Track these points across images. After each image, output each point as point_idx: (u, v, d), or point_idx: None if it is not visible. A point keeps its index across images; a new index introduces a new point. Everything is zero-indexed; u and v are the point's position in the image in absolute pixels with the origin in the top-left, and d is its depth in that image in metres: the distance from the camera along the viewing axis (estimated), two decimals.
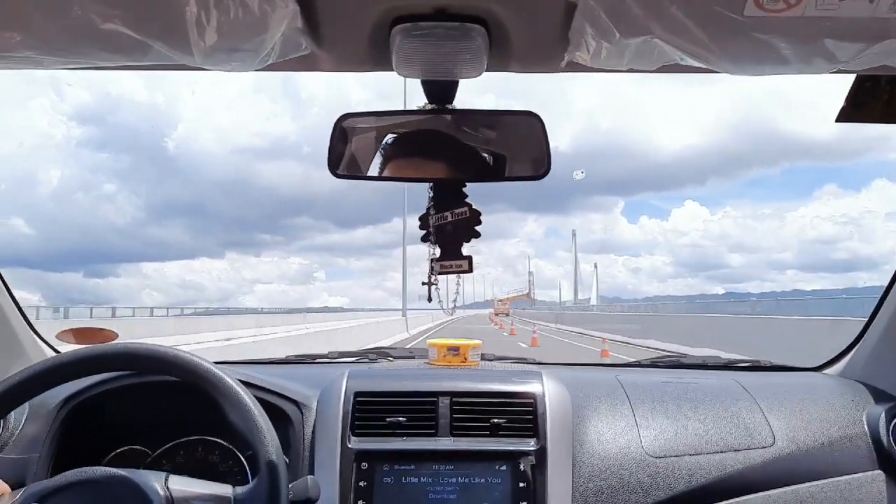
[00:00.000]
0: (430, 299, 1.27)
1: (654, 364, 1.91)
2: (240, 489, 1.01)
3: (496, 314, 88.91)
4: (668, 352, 11.69)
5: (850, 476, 1.36)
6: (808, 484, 1.34)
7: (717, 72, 0.86)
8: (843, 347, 1.74)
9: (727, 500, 1.32)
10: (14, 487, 1.02)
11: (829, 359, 1.77)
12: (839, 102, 1.09)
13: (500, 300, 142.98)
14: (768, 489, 1.33)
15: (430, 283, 1.26)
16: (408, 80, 1.03)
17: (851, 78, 1.05)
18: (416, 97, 1.17)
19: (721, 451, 1.36)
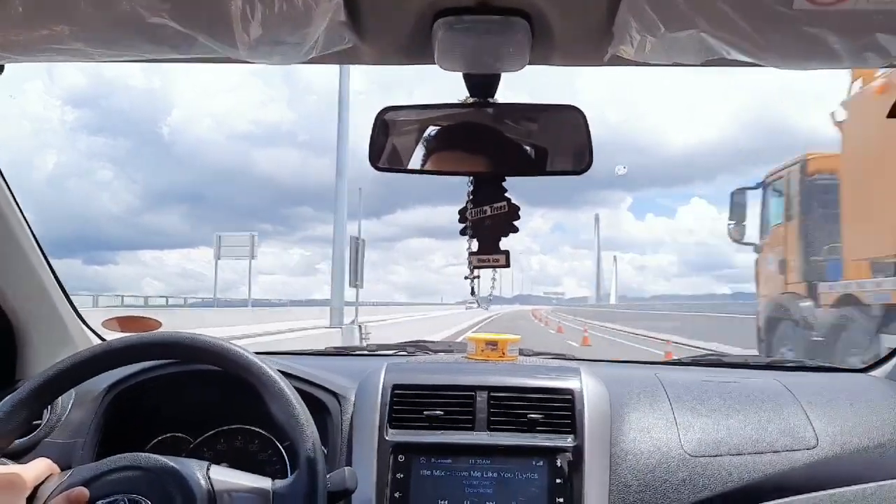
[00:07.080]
0: (473, 292, 1.28)
1: (694, 362, 1.88)
2: (279, 483, 1.02)
3: None
4: None
5: (895, 481, 1.32)
6: (851, 488, 1.31)
7: (763, 66, 0.85)
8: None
9: (767, 501, 1.29)
10: (60, 470, 1.05)
11: (876, 360, 1.73)
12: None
13: None
14: (810, 492, 1.30)
15: (472, 277, 1.27)
16: (438, 72, 1.03)
17: None
18: (444, 89, 1.17)
19: (762, 452, 1.34)
